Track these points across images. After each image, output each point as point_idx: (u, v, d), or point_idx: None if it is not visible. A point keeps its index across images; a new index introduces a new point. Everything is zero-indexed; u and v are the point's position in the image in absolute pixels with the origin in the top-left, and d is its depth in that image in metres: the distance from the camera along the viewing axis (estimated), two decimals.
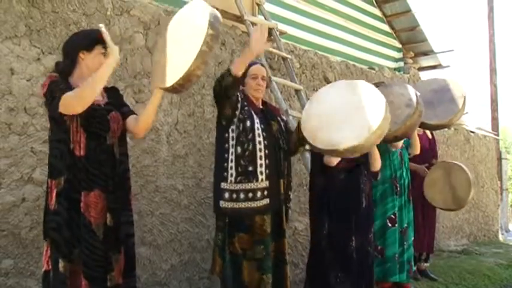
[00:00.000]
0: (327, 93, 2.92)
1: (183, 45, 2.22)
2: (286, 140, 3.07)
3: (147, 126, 2.44)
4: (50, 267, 2.16)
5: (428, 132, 4.99)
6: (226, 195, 2.83)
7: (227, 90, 2.78)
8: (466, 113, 4.14)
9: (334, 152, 2.72)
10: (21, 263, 3.01)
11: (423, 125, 4.19)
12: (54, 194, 2.18)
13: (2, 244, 2.95)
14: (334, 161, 3.23)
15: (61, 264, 2.13)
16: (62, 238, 2.14)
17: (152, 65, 2.48)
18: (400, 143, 3.98)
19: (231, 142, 2.89)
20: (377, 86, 3.01)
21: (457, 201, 4.55)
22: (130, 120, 2.42)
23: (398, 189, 4.03)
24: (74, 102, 2.11)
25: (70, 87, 2.20)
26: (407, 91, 3.26)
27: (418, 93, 3.28)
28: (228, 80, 2.73)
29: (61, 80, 2.21)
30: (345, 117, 2.67)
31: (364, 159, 3.33)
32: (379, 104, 2.63)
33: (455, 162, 4.86)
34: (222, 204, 2.84)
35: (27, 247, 3.03)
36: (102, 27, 2.23)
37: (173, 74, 2.18)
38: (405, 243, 4.02)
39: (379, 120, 2.55)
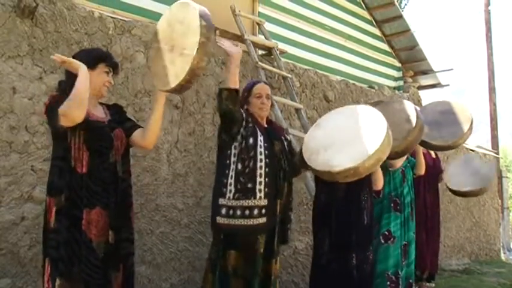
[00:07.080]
0: (331, 119, 3.01)
1: (180, 44, 2.23)
2: (289, 161, 3.06)
3: (156, 135, 2.43)
4: (50, 286, 2.14)
5: (432, 151, 5.00)
6: (223, 211, 2.82)
7: (229, 105, 2.81)
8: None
9: (327, 174, 2.74)
10: (19, 282, 2.98)
11: (426, 145, 4.20)
12: (53, 212, 2.17)
13: (0, 263, 2.93)
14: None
15: (57, 282, 2.10)
16: (60, 256, 2.12)
17: (152, 76, 2.49)
18: (399, 163, 3.98)
19: (232, 159, 2.88)
20: (376, 105, 3.04)
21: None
22: (137, 134, 2.42)
23: (399, 206, 4.01)
24: (71, 107, 2.10)
25: None
26: (407, 107, 3.30)
27: (418, 108, 3.31)
28: (225, 95, 2.79)
29: (62, 99, 2.20)
30: (345, 142, 2.76)
31: (367, 177, 3.33)
32: (380, 129, 2.70)
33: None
34: (219, 220, 2.82)
35: (25, 266, 3.01)
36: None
37: (177, 73, 2.19)
38: (404, 260, 3.97)
39: (376, 146, 2.63)
